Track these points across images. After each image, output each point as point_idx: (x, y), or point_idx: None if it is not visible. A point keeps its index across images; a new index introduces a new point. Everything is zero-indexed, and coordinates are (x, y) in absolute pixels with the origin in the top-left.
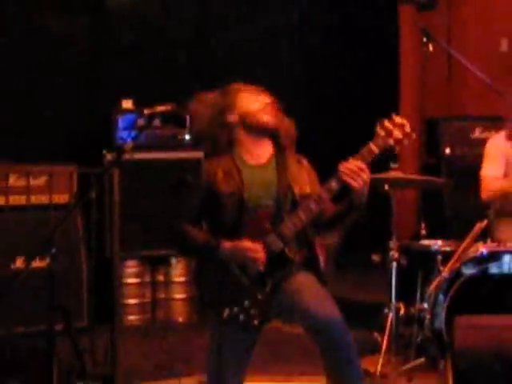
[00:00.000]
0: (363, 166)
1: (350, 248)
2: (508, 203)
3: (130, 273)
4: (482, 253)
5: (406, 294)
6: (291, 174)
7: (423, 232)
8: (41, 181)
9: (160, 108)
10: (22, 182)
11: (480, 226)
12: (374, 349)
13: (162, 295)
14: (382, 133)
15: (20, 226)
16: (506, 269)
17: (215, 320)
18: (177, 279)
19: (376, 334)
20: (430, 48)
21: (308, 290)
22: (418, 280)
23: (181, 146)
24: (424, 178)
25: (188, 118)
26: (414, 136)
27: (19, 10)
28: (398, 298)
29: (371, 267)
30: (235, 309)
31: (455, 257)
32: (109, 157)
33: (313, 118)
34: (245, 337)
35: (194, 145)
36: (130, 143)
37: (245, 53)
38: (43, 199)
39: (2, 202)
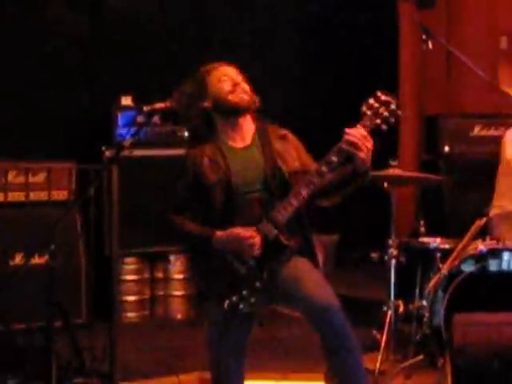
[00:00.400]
0: (366, 133)
1: (349, 245)
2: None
3: (129, 270)
4: (481, 250)
5: (405, 292)
6: (277, 151)
7: (422, 229)
8: (40, 177)
9: (159, 105)
10: (20, 179)
11: (479, 223)
12: (373, 346)
13: (160, 292)
14: (368, 112)
15: (19, 222)
16: (505, 266)
17: (215, 311)
18: (175, 276)
19: (375, 332)
20: (430, 45)
21: (306, 275)
22: (417, 277)
23: (180, 142)
24: (423, 175)
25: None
26: (400, 113)
27: (18, 7)
28: (397, 296)
29: (370, 264)
30: (234, 298)
31: (454, 254)
32: (108, 153)
33: (312, 116)
34: (243, 323)
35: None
36: (129, 140)
37: (244, 51)
38: (42, 196)
39: (0, 198)
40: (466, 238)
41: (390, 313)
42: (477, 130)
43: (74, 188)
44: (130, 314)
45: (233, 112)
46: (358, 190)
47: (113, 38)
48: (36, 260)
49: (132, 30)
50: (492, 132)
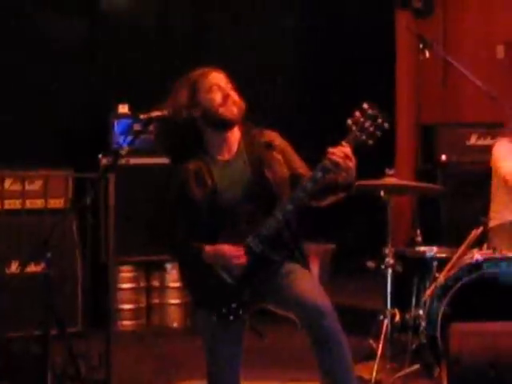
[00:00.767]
0: (349, 152)
1: (346, 254)
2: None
3: (125, 278)
4: (477, 259)
5: (402, 301)
6: (263, 161)
7: (419, 238)
8: (36, 185)
9: (156, 113)
10: (17, 187)
11: (476, 232)
12: (369, 355)
13: (156, 300)
14: (353, 127)
15: (15, 230)
16: (501, 276)
17: (206, 319)
18: (172, 284)
19: (371, 341)
20: (427, 54)
21: (299, 278)
22: (413, 286)
23: None
24: (419, 184)
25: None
26: (386, 126)
27: (16, 13)
28: (394, 305)
29: (366, 273)
30: (223, 310)
31: (451, 263)
32: (105, 161)
33: (309, 124)
34: (234, 329)
35: None
36: (125, 148)
37: (244, 56)
38: (38, 204)
39: None
40: (462, 247)
41: (386, 322)
42: (473, 140)
43: (70, 196)
44: (126, 323)
45: (222, 126)
46: (354, 199)
47: (110, 46)
48: (32, 268)
49: (129, 38)
50: (489, 141)
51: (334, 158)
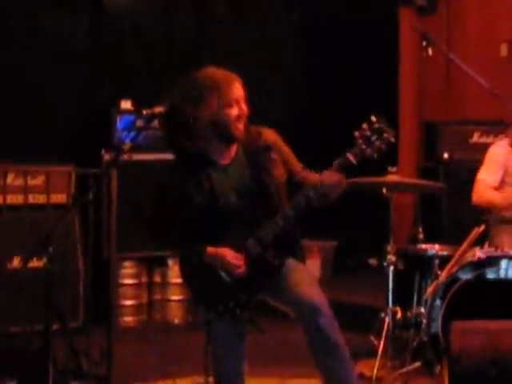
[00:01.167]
0: (341, 178)
1: (348, 252)
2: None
3: (127, 274)
4: (479, 258)
5: (403, 298)
6: (262, 164)
7: (421, 236)
8: (38, 180)
9: (159, 109)
10: (19, 182)
11: (477, 230)
12: (370, 352)
13: (158, 296)
14: (359, 140)
15: (17, 225)
16: (502, 274)
17: (205, 316)
18: (173, 280)
19: (372, 338)
20: (430, 52)
21: (298, 275)
22: (414, 284)
23: None
24: (422, 182)
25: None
26: (392, 140)
27: (17, 9)
28: (395, 302)
29: (368, 271)
30: (221, 308)
31: (452, 261)
32: (107, 157)
33: (311, 122)
34: (234, 325)
35: None
36: (128, 144)
37: (245, 54)
38: (41, 199)
39: None
40: (464, 245)
41: (387, 319)
42: (476, 137)
43: (72, 191)
44: (128, 318)
45: (227, 140)
46: (356, 196)
47: (112, 42)
48: (34, 263)
49: (132, 34)
50: (491, 139)
51: (323, 189)
